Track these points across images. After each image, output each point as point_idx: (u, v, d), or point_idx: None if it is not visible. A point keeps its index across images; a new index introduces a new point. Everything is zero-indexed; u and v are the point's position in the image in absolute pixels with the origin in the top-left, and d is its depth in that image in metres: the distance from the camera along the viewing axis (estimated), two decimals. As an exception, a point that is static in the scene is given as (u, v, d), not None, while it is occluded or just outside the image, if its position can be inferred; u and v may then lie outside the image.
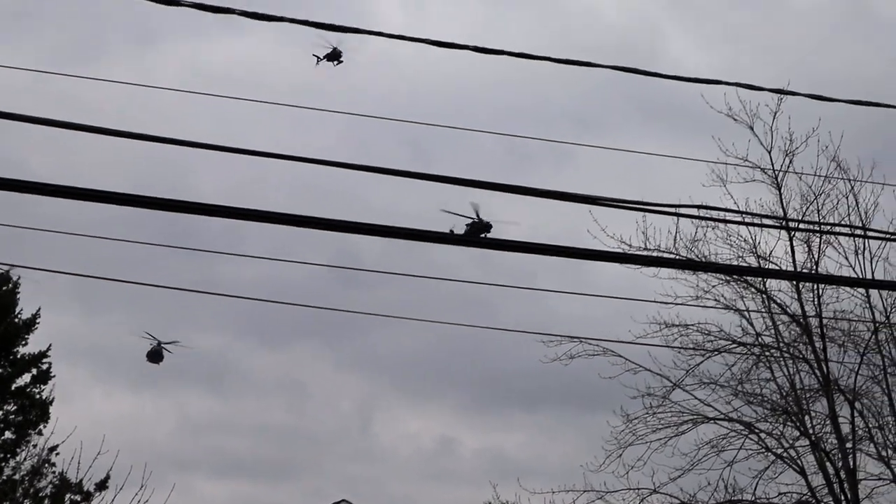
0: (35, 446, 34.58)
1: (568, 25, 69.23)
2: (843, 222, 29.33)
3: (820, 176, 29.68)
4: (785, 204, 30.05)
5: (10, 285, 35.95)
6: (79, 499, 33.07)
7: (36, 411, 35.29)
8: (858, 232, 28.43)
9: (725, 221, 29.23)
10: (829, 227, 29.17)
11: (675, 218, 27.29)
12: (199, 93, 14.58)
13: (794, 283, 29.53)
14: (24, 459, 34.07)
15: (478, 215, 37.03)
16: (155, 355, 49.37)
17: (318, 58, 52.15)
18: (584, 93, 59.04)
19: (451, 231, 42.32)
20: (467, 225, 38.46)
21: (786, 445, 29.91)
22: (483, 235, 37.64)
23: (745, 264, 29.85)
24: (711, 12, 67.49)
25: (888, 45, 60.77)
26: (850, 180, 29.66)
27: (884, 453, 29.29)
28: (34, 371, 35.95)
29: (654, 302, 28.57)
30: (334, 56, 52.91)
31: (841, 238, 29.35)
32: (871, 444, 29.47)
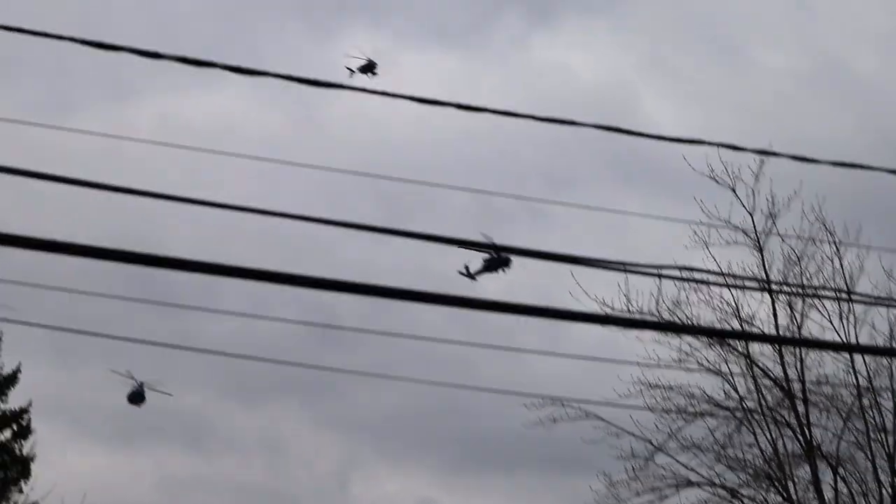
0: (16, 503, 34.27)
1: (542, 85, 69.36)
2: (827, 286, 29.28)
3: (803, 238, 29.64)
4: (768, 266, 29.99)
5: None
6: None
7: (17, 467, 34.98)
8: (843, 296, 28.37)
9: (708, 283, 29.11)
10: (812, 291, 29.08)
11: (658, 280, 27.17)
12: (174, 145, 14.47)
13: (777, 346, 29.41)
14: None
15: (496, 249, 35.98)
16: (137, 397, 48.64)
17: (351, 70, 51.16)
18: (557, 152, 59.03)
19: (466, 267, 41.71)
20: (485, 260, 37.67)
21: (769, 511, 29.72)
22: (502, 270, 36.76)
23: (727, 327, 29.73)
24: (684, 72, 67.78)
25: (864, 103, 60.94)
26: (834, 243, 29.64)
27: (867, 520, 29.11)
28: (14, 427, 35.65)
29: (637, 364, 28.47)
30: (368, 68, 52.02)
31: (825, 301, 29.30)
32: (855, 511, 29.30)
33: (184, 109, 69.77)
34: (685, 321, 29.33)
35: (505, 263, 37.13)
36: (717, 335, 30.19)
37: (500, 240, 10.79)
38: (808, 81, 64.24)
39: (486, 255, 36.78)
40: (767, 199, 30.09)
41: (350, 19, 75.64)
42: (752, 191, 30.09)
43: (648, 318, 29.14)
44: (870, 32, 65.46)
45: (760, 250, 30.01)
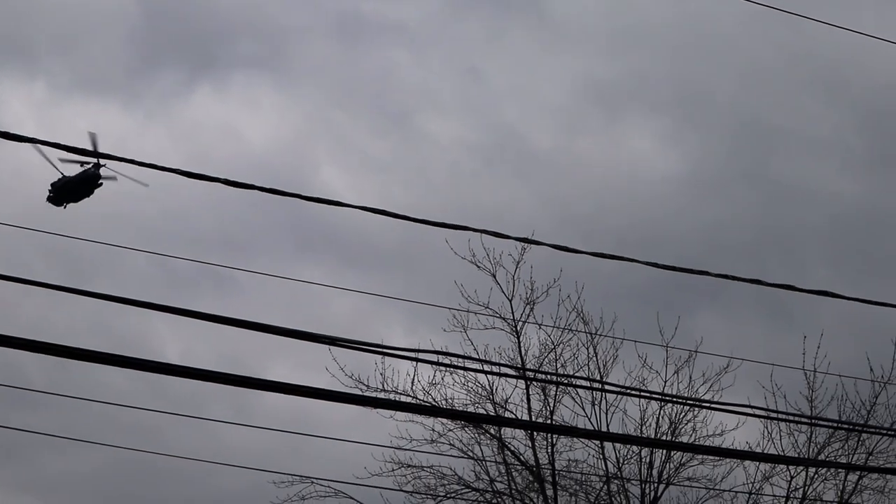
0: None
1: (206, 141, 67.29)
2: (580, 373, 29.65)
3: (559, 328, 30.00)
4: (524, 353, 30.25)
5: None
6: None
7: None
8: (595, 384, 28.78)
9: (464, 368, 29.18)
10: (566, 379, 29.39)
11: (414, 362, 27.04)
12: None
13: (529, 432, 29.58)
14: None
15: None
16: (86, 184, 38.62)
17: None
18: (231, 216, 57.54)
19: None
20: None
21: None
22: None
23: (481, 411, 29.81)
24: (355, 139, 67.28)
25: (542, 178, 61.72)
26: (588, 332, 30.07)
27: None
28: None
29: (389, 447, 28.37)
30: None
31: (578, 389, 29.65)
32: None
33: None
34: (440, 403, 29.33)
35: None
36: (470, 419, 30.25)
37: (179, 304, 10.12)
38: (483, 154, 64.67)
39: None
40: (526, 286, 30.41)
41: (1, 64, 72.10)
42: (513, 277, 30.39)
43: (404, 398, 29.07)
44: (545, 108, 66.55)
45: (517, 336, 30.31)
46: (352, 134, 66.54)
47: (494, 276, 30.46)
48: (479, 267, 30.48)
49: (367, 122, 68.26)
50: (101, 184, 39.53)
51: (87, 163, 38.96)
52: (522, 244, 27.09)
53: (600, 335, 29.94)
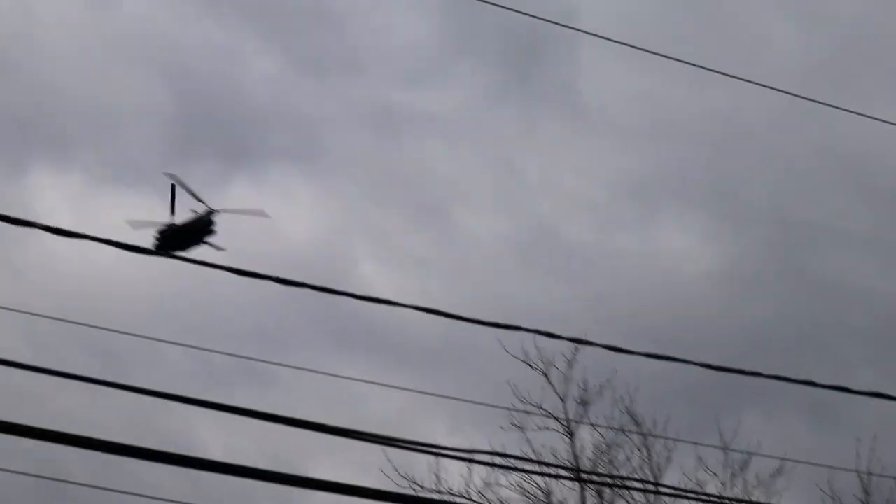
0: None
1: (245, 233, 67.20)
2: (634, 475, 29.44)
3: (613, 428, 29.87)
4: (578, 453, 30.11)
5: None
6: None
7: None
8: (649, 486, 28.59)
9: (519, 469, 29.07)
10: (620, 481, 29.22)
11: (468, 463, 26.98)
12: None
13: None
14: None
15: None
16: (196, 231, 36.12)
17: None
18: (269, 311, 57.28)
19: None
20: None
21: None
22: None
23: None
24: (392, 234, 67.20)
25: (578, 276, 61.26)
26: (642, 434, 29.93)
27: None
28: None
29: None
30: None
31: (632, 491, 29.47)
32: None
33: None
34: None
35: None
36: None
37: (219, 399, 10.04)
38: (520, 250, 64.44)
39: None
40: (580, 387, 30.36)
41: (37, 155, 71.71)
42: (566, 378, 30.36)
43: (459, 500, 28.96)
44: (581, 202, 66.17)
45: (571, 437, 30.18)
46: (387, 228, 66.92)
47: (547, 376, 30.45)
48: (532, 367, 30.46)
49: (402, 215, 68.67)
50: (215, 232, 37.29)
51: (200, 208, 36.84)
52: (575, 344, 27.13)
53: (653, 436, 29.82)
